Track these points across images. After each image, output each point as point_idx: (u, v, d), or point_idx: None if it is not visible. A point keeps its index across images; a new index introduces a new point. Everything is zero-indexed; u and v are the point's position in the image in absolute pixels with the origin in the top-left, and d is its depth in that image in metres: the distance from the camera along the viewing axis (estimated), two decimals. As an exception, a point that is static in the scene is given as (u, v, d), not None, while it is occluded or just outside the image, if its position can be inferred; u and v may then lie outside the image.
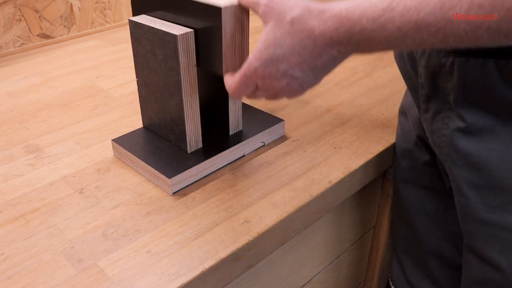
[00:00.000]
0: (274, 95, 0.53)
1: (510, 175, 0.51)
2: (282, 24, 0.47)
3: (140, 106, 0.68)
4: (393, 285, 0.80)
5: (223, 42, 0.55)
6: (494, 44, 0.38)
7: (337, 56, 0.47)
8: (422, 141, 0.67)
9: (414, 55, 0.59)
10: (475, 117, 0.52)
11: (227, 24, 0.54)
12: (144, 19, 0.60)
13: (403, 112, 0.71)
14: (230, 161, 0.66)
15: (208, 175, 0.63)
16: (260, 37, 0.49)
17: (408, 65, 0.62)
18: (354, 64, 0.98)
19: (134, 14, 0.63)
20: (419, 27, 0.40)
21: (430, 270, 0.73)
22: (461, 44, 0.39)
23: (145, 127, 0.70)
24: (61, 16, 1.12)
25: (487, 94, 0.50)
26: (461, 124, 0.54)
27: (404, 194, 0.73)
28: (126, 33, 1.18)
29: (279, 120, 0.72)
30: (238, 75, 0.52)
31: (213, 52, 0.56)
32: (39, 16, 1.08)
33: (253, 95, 0.54)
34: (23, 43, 1.08)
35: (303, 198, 0.59)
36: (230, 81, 0.54)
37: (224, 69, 0.56)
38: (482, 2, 0.36)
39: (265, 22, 0.49)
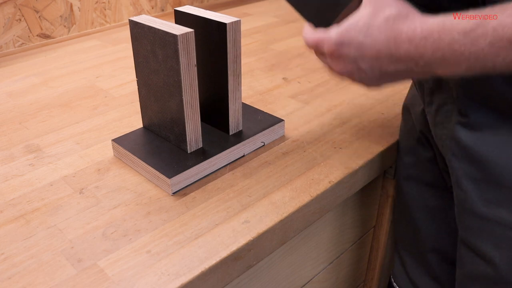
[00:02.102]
0: (335, 71, 0.53)
1: (508, 171, 0.52)
2: (377, 16, 0.47)
3: (140, 106, 0.68)
4: (394, 281, 0.80)
5: None
6: None
7: (411, 70, 0.47)
8: (425, 137, 0.68)
9: None
10: (476, 113, 0.53)
11: None
12: (144, 19, 0.60)
13: (406, 109, 0.71)
14: (230, 161, 0.66)
15: (208, 175, 0.63)
16: (353, 15, 0.49)
17: None
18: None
19: None
20: None
21: (430, 266, 0.73)
22: None
23: (145, 127, 0.70)
24: (61, 16, 1.12)
25: (488, 92, 0.51)
26: (463, 119, 0.54)
27: (406, 190, 0.73)
28: (126, 33, 1.18)
29: (279, 120, 0.72)
30: (315, 36, 0.52)
31: None
32: (39, 16, 1.08)
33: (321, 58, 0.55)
34: (23, 43, 1.08)
35: (303, 198, 0.59)
36: (308, 34, 0.53)
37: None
38: None
39: (364, 5, 0.48)
